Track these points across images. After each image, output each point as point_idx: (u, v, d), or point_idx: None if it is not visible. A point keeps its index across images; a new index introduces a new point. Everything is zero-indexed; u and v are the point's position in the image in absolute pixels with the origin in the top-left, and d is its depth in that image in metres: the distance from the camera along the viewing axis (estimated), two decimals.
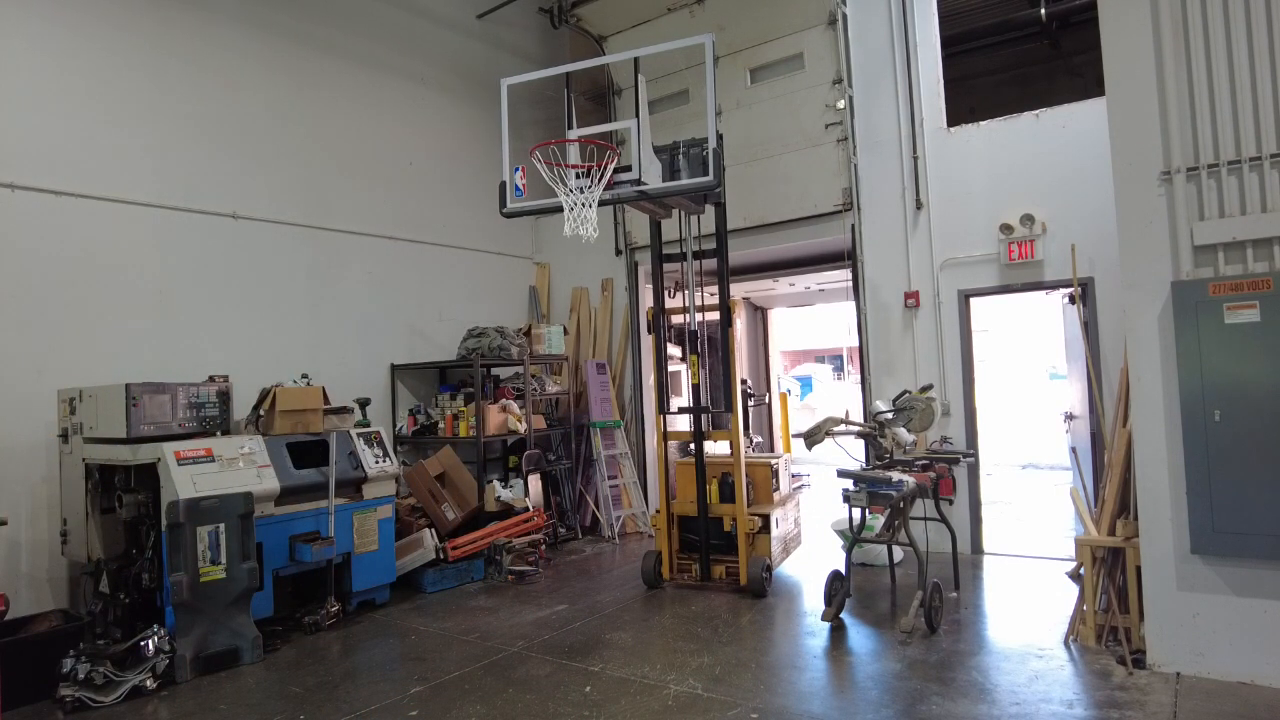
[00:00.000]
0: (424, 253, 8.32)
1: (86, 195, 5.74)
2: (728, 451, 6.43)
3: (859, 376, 8.23)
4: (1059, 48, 9.23)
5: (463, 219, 8.73)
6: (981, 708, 3.95)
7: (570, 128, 5.55)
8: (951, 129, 7.17)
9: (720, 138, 5.30)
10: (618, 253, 9.19)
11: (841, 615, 5.37)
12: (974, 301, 7.10)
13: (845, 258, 7.70)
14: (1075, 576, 4.88)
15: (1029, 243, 6.62)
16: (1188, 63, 4.23)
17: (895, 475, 5.22)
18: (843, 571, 5.47)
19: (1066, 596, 5.25)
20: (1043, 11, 8.51)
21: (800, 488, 8.19)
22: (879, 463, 5.74)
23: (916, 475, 5.41)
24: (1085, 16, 7.75)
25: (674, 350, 9.67)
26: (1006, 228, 6.69)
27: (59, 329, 5.55)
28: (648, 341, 7.64)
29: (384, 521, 6.15)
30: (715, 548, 6.27)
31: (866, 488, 5.17)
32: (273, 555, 5.37)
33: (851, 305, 7.78)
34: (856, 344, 7.78)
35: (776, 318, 14.10)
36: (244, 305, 6.61)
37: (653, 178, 5.36)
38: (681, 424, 8.85)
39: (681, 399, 10.79)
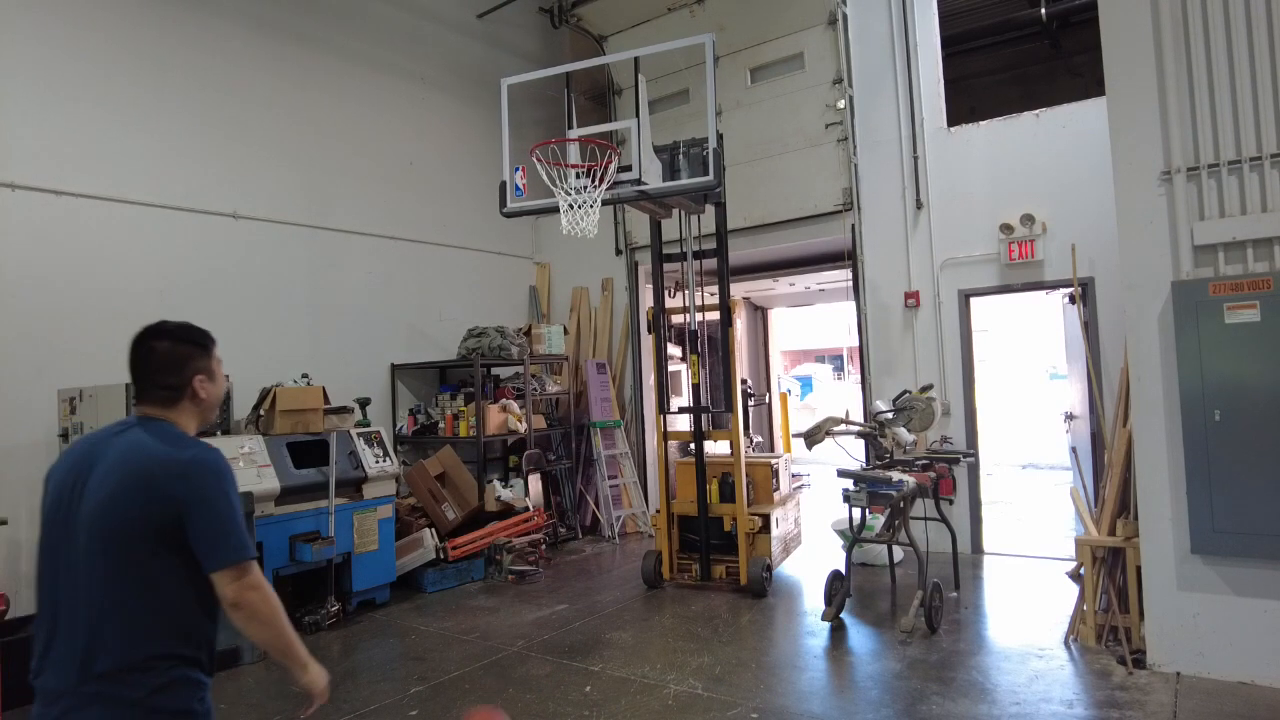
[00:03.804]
0: (424, 253, 8.32)
1: (86, 195, 5.74)
2: (728, 451, 6.43)
3: (859, 376, 8.23)
4: (1059, 48, 9.23)
5: (463, 219, 8.72)
6: (982, 708, 3.95)
7: (570, 127, 5.56)
8: (952, 129, 7.17)
9: (720, 137, 5.31)
10: (618, 252, 9.19)
11: (841, 615, 5.37)
12: (974, 301, 7.10)
13: (845, 258, 7.70)
14: (1075, 576, 4.88)
15: (1029, 243, 6.62)
16: (1188, 63, 4.23)
17: (895, 475, 5.22)
18: (843, 571, 5.47)
19: (1066, 596, 5.25)
20: (1043, 11, 8.51)
21: (800, 488, 8.18)
22: (879, 463, 5.74)
23: (916, 475, 5.41)
24: (1085, 16, 7.75)
25: (674, 350, 9.66)
26: (1007, 228, 6.69)
27: (59, 329, 5.55)
28: (648, 341, 7.63)
29: (384, 521, 6.15)
30: (715, 548, 6.27)
31: (866, 488, 5.17)
32: (273, 555, 5.37)
33: (851, 305, 7.78)
34: (856, 344, 7.78)
35: (776, 318, 14.09)
36: (244, 305, 6.61)
37: (653, 178, 5.36)
38: (681, 424, 8.84)
39: (681, 399, 10.79)
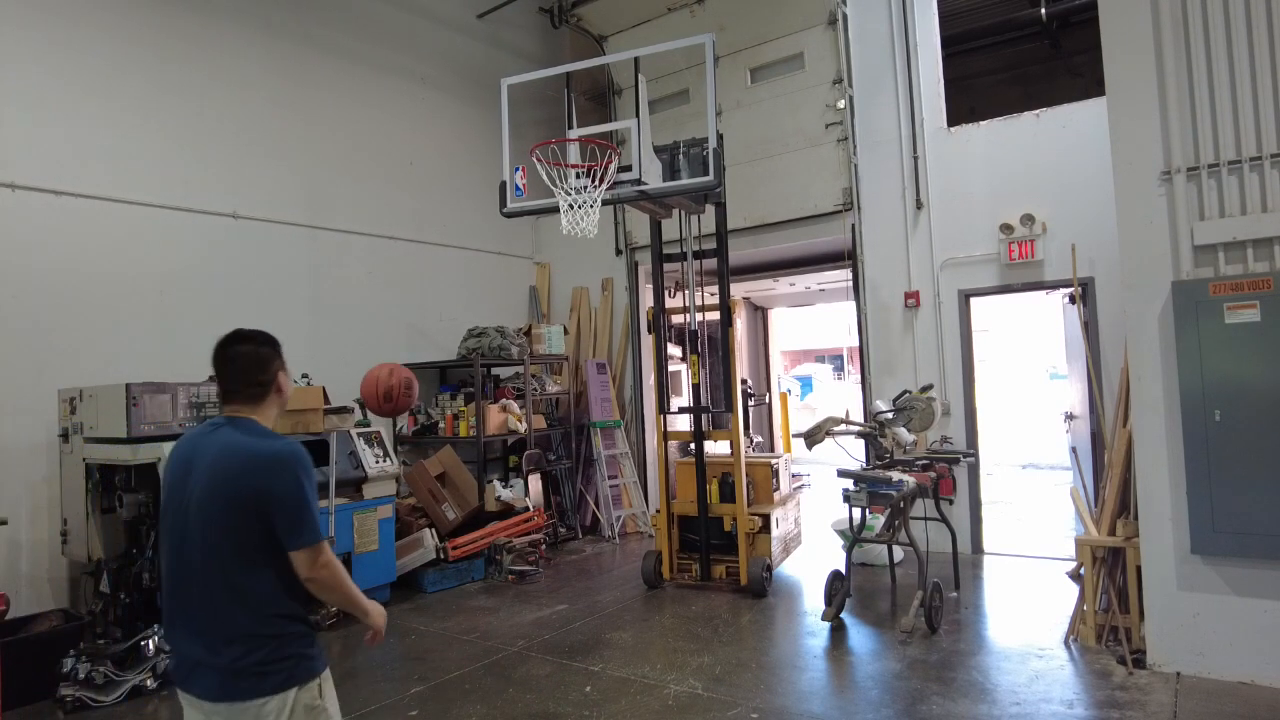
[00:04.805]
0: (424, 253, 8.32)
1: (86, 195, 5.74)
2: (728, 451, 6.43)
3: (859, 376, 8.23)
4: (1059, 48, 9.23)
5: (463, 219, 8.72)
6: (982, 708, 3.95)
7: (570, 127, 5.56)
8: (952, 129, 7.17)
9: (720, 137, 5.31)
10: (618, 252, 9.19)
11: (841, 615, 5.37)
12: (974, 301, 7.10)
13: (845, 258, 7.70)
14: (1075, 576, 4.89)
15: (1029, 242, 6.62)
16: (1188, 63, 4.23)
17: (895, 475, 5.22)
18: (843, 571, 5.47)
19: (1066, 596, 5.25)
20: (1043, 11, 8.50)
21: (800, 488, 8.19)
22: (879, 463, 5.74)
23: (916, 475, 5.41)
24: (1085, 16, 7.75)
25: (674, 350, 9.66)
26: (1007, 227, 6.69)
27: (59, 329, 5.55)
28: (648, 341, 7.63)
29: (384, 521, 6.15)
30: (715, 548, 6.27)
31: (866, 488, 5.17)
32: None
33: (851, 305, 7.79)
34: (856, 344, 7.78)
35: (776, 318, 14.09)
36: (244, 305, 6.60)
37: (653, 178, 5.36)
38: (681, 424, 8.83)
39: (681, 399, 10.79)
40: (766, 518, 6.18)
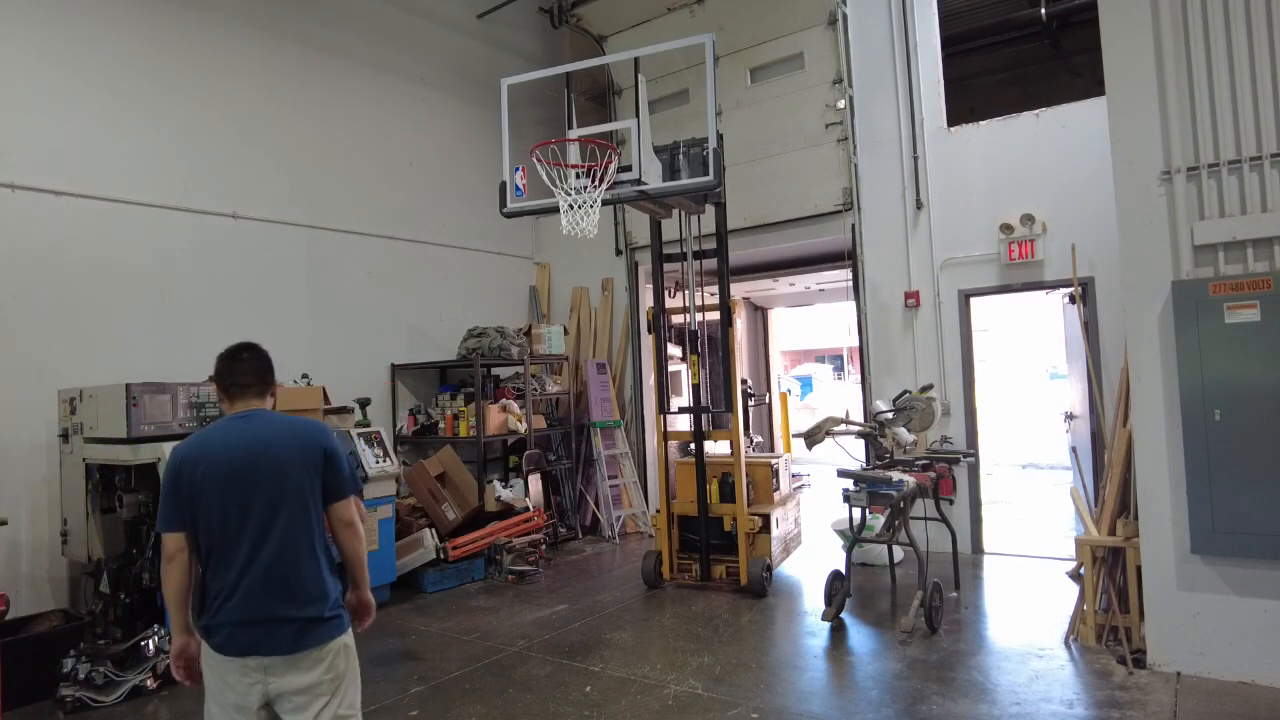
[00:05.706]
0: (424, 253, 8.32)
1: (86, 195, 5.74)
2: (728, 451, 6.43)
3: (859, 376, 8.23)
4: (1059, 48, 9.23)
5: (463, 219, 8.72)
6: (982, 707, 3.95)
7: (570, 127, 5.55)
8: (952, 129, 7.17)
9: (720, 137, 5.30)
10: (618, 253, 9.19)
11: (841, 615, 5.37)
12: (974, 301, 7.09)
13: (845, 258, 7.70)
14: (1075, 576, 4.89)
15: (1029, 242, 6.62)
16: (1188, 63, 4.23)
17: (895, 475, 5.22)
18: (843, 571, 5.47)
19: (1066, 596, 5.25)
20: (1043, 11, 8.50)
21: (800, 488, 8.19)
22: (879, 463, 5.74)
23: (916, 475, 5.41)
24: (1085, 16, 7.74)
25: (674, 350, 9.66)
26: (1007, 227, 6.69)
27: (59, 329, 5.54)
28: (648, 341, 7.63)
29: (384, 521, 6.15)
30: (715, 548, 6.27)
31: (866, 488, 5.17)
32: None
33: (851, 305, 7.79)
34: (856, 344, 7.78)
35: (776, 318, 14.09)
36: (244, 305, 6.60)
37: (653, 178, 5.36)
38: (681, 424, 8.83)
39: (681, 399, 10.78)
40: (766, 518, 6.18)
